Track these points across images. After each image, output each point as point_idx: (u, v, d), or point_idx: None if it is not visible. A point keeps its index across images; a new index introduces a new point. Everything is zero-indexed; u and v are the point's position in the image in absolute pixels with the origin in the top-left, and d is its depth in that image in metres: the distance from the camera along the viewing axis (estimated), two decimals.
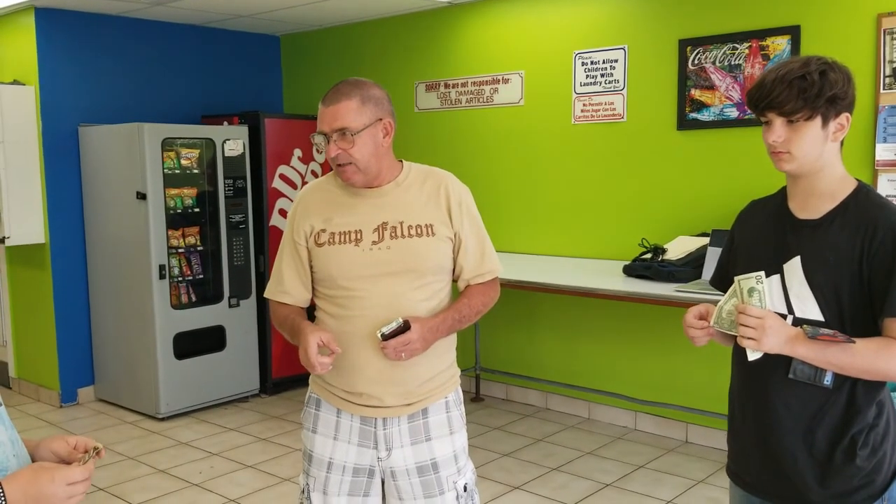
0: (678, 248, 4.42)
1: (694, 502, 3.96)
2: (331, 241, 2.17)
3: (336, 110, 2.11)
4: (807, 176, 1.81)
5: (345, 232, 2.17)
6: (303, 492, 2.28)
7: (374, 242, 2.15)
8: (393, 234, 2.15)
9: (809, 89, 1.71)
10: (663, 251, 4.42)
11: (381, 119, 2.16)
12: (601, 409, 5.17)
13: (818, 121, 1.74)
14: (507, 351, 5.61)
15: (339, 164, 2.13)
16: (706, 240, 4.28)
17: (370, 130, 2.13)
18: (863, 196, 1.79)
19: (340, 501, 2.22)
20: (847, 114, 1.77)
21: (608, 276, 4.45)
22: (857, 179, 1.84)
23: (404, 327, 2.06)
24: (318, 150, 5.98)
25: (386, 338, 2.05)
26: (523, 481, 4.25)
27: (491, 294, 2.30)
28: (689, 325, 1.86)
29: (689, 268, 4.19)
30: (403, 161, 2.28)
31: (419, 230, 2.17)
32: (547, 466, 4.45)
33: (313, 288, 2.27)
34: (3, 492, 1.35)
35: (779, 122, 1.76)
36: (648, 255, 4.45)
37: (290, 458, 4.64)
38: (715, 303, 1.85)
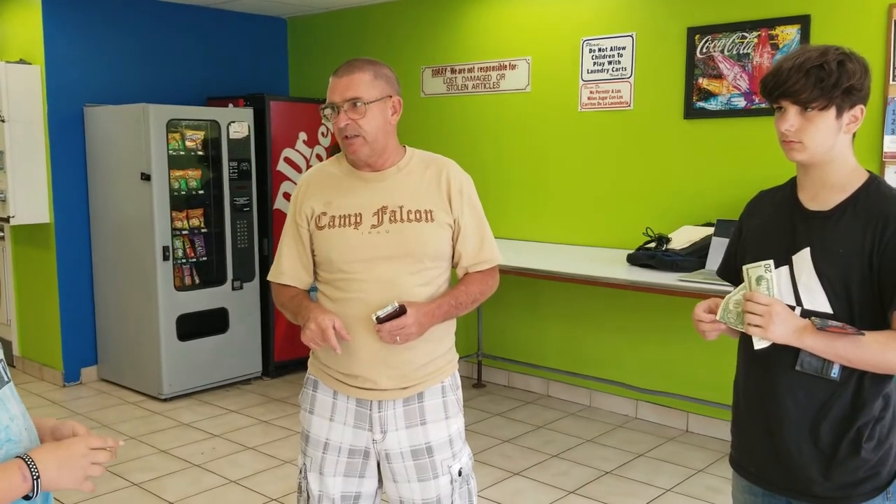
0: (682, 237, 4.41)
1: (693, 491, 3.97)
2: (331, 224, 2.19)
3: (349, 81, 2.12)
4: (818, 167, 1.80)
5: (345, 215, 2.18)
6: (300, 472, 2.30)
7: (373, 226, 2.16)
8: (392, 219, 2.16)
9: (826, 79, 1.69)
10: (667, 240, 4.42)
11: (390, 96, 2.18)
12: (602, 396, 5.18)
13: (833, 111, 1.73)
14: (510, 338, 5.61)
15: (347, 135, 2.13)
16: (711, 230, 4.27)
17: (380, 104, 2.15)
18: (874, 188, 1.78)
19: (336, 482, 2.23)
20: (862, 106, 1.76)
21: (612, 265, 4.44)
22: (869, 171, 1.83)
23: (400, 311, 2.06)
24: (321, 134, 5.98)
25: (381, 321, 2.05)
26: (523, 467, 4.27)
27: (489, 282, 2.30)
28: (698, 319, 1.85)
29: (694, 258, 4.19)
30: (406, 147, 2.29)
31: (418, 215, 2.17)
32: (547, 453, 4.46)
33: (315, 272, 2.28)
34: (33, 461, 1.39)
35: (793, 111, 1.75)
36: (652, 245, 4.44)
37: (291, 440, 4.66)
38: (719, 293, 1.84)
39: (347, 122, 2.12)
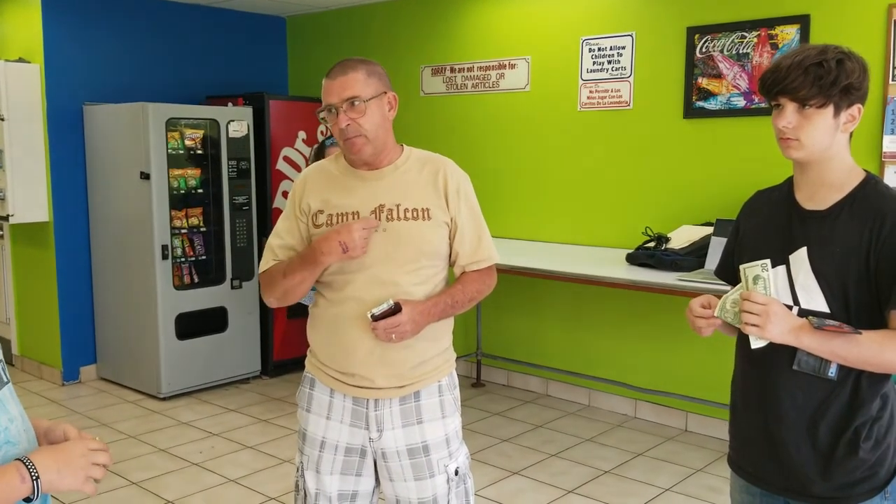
0: (682, 237, 4.42)
1: (692, 491, 3.97)
2: (328, 222, 2.18)
3: (344, 81, 2.12)
4: (814, 165, 1.80)
5: (342, 214, 2.18)
6: (297, 470, 2.31)
7: None
8: (389, 217, 2.16)
9: (825, 77, 1.70)
10: (667, 240, 4.42)
11: (385, 92, 2.18)
12: (601, 396, 5.18)
13: (830, 110, 1.73)
14: (509, 337, 5.61)
15: (348, 136, 2.13)
16: (710, 229, 4.27)
17: (377, 101, 2.15)
18: (871, 187, 1.78)
19: (333, 480, 2.23)
20: (859, 105, 1.76)
21: (611, 264, 4.44)
22: (866, 170, 1.83)
23: (395, 309, 2.06)
24: (320, 134, 5.98)
25: (376, 319, 2.05)
26: (522, 467, 4.27)
27: (486, 282, 2.30)
28: (694, 315, 1.85)
29: (693, 257, 4.19)
30: (404, 145, 2.29)
31: (415, 214, 2.17)
32: (546, 452, 4.46)
33: None
34: (32, 463, 1.38)
35: (791, 108, 1.75)
36: (652, 244, 4.44)
37: (289, 439, 4.65)
38: (718, 292, 1.84)
39: (348, 123, 2.11)
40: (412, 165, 2.24)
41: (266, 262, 2.29)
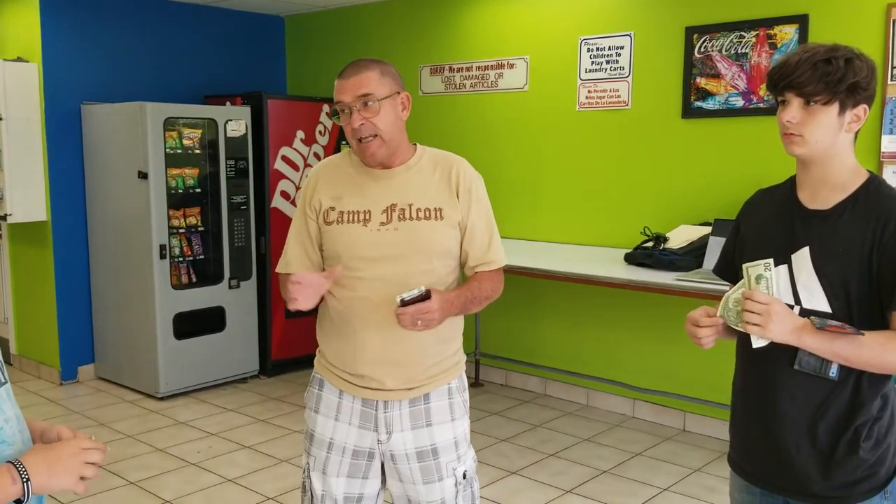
0: (680, 236, 4.42)
1: (690, 491, 3.97)
2: (339, 220, 2.17)
3: (358, 80, 2.10)
4: (818, 164, 1.80)
5: (353, 211, 2.16)
6: (304, 471, 2.29)
7: (382, 223, 2.14)
8: (401, 216, 2.14)
9: (833, 74, 1.70)
10: (665, 240, 4.42)
11: (398, 92, 2.16)
12: (600, 396, 5.18)
13: (835, 107, 1.74)
14: (508, 336, 5.61)
15: (362, 137, 2.11)
16: (708, 229, 4.27)
17: (391, 101, 2.13)
18: (874, 187, 1.78)
19: (339, 482, 2.22)
20: (865, 106, 1.77)
21: (609, 264, 4.44)
22: (869, 171, 1.83)
23: (426, 296, 2.00)
24: (318, 132, 5.97)
25: (405, 304, 1.99)
26: (521, 466, 4.26)
27: (496, 283, 2.28)
28: (700, 325, 1.82)
29: (691, 257, 4.19)
30: (417, 144, 2.27)
31: (427, 213, 2.15)
32: (544, 452, 4.46)
33: (323, 268, 2.26)
34: (23, 466, 1.38)
35: (796, 103, 1.75)
36: (650, 244, 4.44)
37: (287, 439, 4.65)
38: (716, 292, 1.84)
39: (362, 122, 2.09)
40: (425, 165, 2.22)
41: (280, 264, 2.29)
